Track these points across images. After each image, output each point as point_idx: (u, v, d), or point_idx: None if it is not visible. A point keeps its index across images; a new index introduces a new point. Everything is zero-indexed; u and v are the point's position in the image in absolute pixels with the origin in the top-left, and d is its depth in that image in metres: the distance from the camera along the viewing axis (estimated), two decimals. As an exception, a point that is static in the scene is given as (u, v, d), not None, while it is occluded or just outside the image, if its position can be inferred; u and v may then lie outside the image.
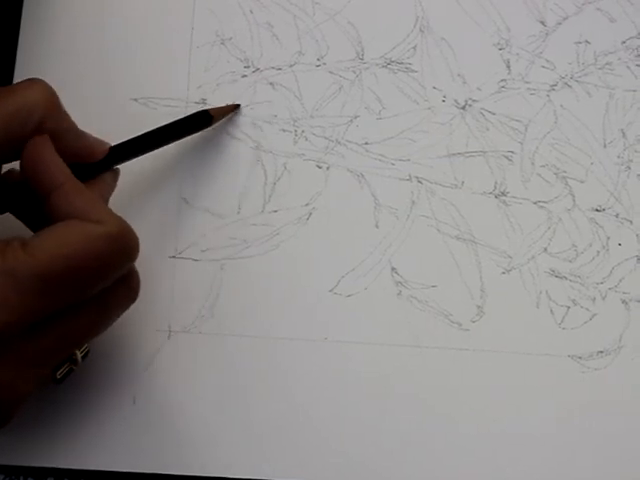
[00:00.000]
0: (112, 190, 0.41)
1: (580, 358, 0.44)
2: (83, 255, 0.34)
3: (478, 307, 0.44)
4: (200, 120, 0.44)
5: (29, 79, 0.38)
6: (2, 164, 0.38)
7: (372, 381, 0.43)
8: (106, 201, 0.40)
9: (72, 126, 0.39)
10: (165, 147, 0.46)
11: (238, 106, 0.46)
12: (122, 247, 0.36)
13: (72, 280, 0.34)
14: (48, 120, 0.37)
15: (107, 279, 0.36)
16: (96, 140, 0.40)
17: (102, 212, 0.36)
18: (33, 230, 0.39)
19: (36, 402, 0.41)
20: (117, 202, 0.45)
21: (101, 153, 0.40)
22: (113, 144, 0.41)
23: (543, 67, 0.47)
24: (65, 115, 0.38)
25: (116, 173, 0.41)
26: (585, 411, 0.43)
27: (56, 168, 0.37)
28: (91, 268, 0.35)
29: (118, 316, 0.38)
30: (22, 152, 0.37)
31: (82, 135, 0.39)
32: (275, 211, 0.45)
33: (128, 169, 0.45)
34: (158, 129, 0.42)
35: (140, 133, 0.42)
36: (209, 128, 0.45)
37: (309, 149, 0.46)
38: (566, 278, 0.45)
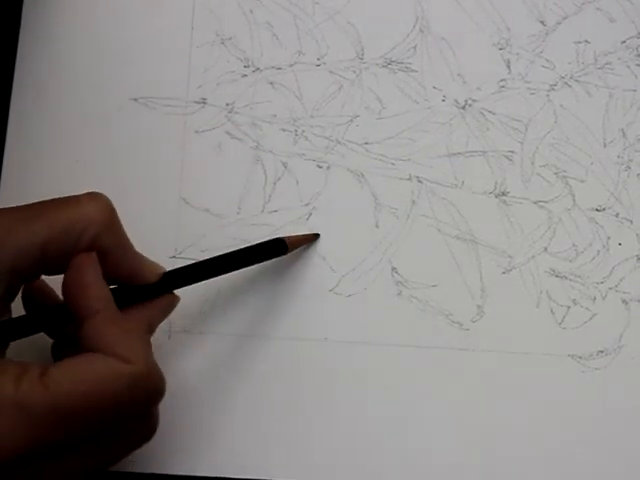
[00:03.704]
0: (165, 315, 0.39)
1: (580, 358, 0.44)
2: (101, 394, 0.33)
3: (478, 307, 0.44)
4: (274, 248, 0.42)
5: (90, 193, 0.37)
6: (52, 275, 0.37)
7: (372, 381, 0.43)
8: (154, 326, 0.38)
9: (127, 246, 0.37)
10: (164, 147, 0.46)
11: (317, 235, 0.45)
12: (145, 390, 0.34)
13: (86, 419, 0.33)
14: (103, 237, 0.36)
15: (125, 421, 0.34)
16: (150, 263, 0.38)
17: (132, 349, 0.34)
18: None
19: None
20: (117, 202, 0.45)
21: (154, 277, 0.38)
22: (175, 268, 0.39)
23: (543, 67, 0.47)
24: (121, 234, 0.37)
25: (174, 299, 0.39)
26: (585, 411, 0.43)
27: (95, 294, 0.35)
28: (108, 409, 0.33)
29: (129, 453, 0.36)
30: (66, 271, 0.36)
31: (136, 256, 0.38)
32: (275, 211, 0.45)
33: (127, 169, 0.45)
34: (224, 255, 0.40)
35: (204, 259, 0.40)
36: (284, 256, 0.43)
37: (309, 149, 0.46)
38: (566, 278, 0.45)
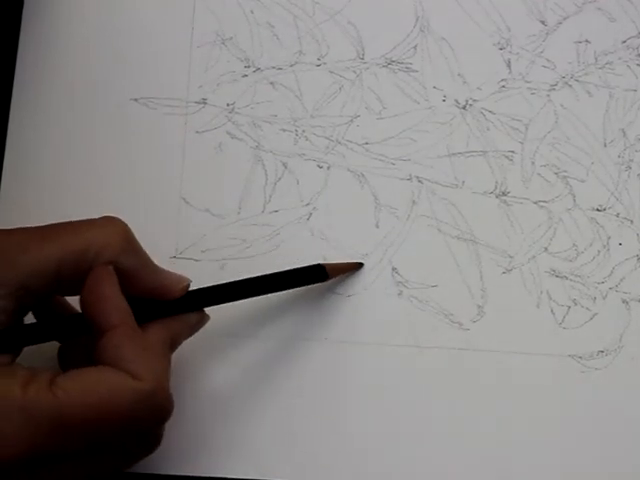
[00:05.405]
0: (192, 333, 0.39)
1: (581, 358, 0.44)
2: (108, 408, 0.33)
3: (479, 307, 0.44)
4: (314, 274, 0.41)
5: (106, 217, 0.37)
6: (66, 295, 0.38)
7: (372, 381, 0.43)
8: (178, 342, 0.38)
9: (146, 265, 0.37)
10: (164, 148, 0.46)
11: (361, 265, 0.44)
12: (152, 408, 0.34)
13: (90, 431, 0.33)
14: (119, 260, 0.36)
15: (129, 437, 0.34)
16: (174, 278, 0.38)
17: (144, 366, 0.34)
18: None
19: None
20: (117, 202, 0.45)
21: (178, 292, 0.38)
22: (204, 286, 0.39)
23: (543, 67, 0.47)
24: (139, 255, 0.37)
25: (203, 317, 0.39)
26: (585, 411, 0.43)
27: (113, 307, 0.35)
28: (113, 423, 0.33)
29: (128, 466, 0.36)
30: (83, 285, 0.35)
31: (157, 274, 0.37)
32: (275, 211, 0.45)
33: (127, 169, 0.45)
34: (259, 277, 0.40)
35: (239, 279, 0.40)
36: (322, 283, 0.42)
37: (309, 149, 0.46)
38: (567, 278, 0.45)
